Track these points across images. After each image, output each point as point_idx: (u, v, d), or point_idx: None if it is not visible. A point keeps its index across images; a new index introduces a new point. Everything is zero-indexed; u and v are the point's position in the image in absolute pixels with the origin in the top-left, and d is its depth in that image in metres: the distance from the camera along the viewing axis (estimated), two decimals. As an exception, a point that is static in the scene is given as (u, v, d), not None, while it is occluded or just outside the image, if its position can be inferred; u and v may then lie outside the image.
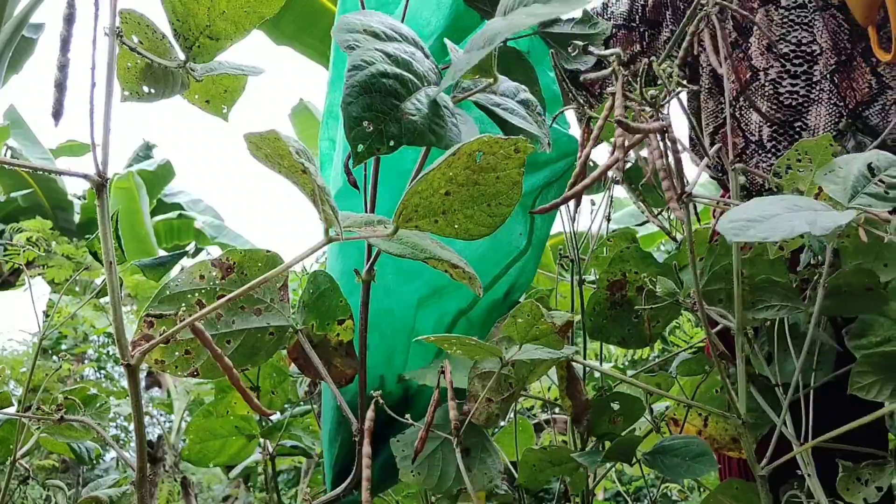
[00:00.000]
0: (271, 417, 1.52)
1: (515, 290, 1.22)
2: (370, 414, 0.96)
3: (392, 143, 0.66)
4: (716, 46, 0.99)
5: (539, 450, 1.18)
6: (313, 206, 0.69)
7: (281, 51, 3.85)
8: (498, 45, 0.68)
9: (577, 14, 1.11)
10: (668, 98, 0.81)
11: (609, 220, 1.43)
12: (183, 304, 0.92)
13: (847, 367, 0.99)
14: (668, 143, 0.82)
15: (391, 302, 1.16)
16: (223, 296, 0.92)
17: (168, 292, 0.93)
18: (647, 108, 0.83)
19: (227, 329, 0.95)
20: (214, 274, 0.94)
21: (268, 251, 0.95)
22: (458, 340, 0.97)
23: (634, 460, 1.13)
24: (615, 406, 1.16)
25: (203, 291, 0.93)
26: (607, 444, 1.15)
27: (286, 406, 1.54)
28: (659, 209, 1.28)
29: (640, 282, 1.11)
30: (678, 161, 0.84)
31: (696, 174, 0.87)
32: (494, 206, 0.69)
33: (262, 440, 1.49)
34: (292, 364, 1.09)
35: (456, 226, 0.69)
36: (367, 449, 0.92)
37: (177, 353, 0.93)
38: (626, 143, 0.77)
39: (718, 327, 1.06)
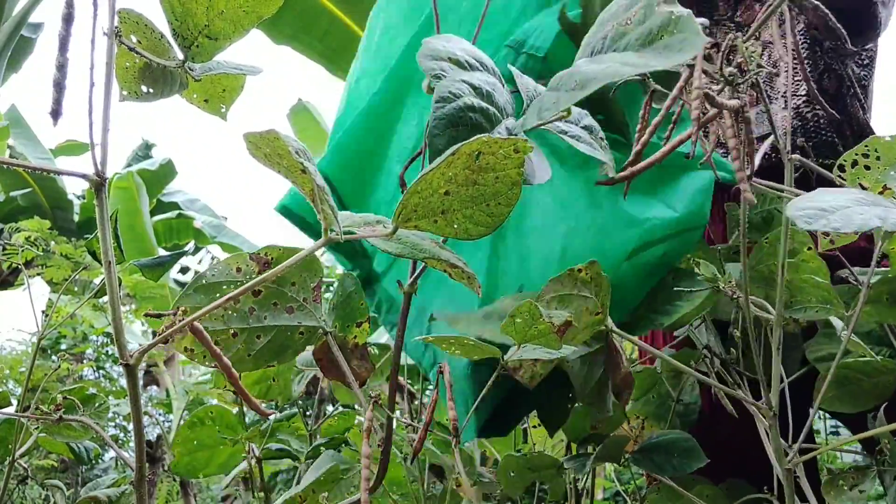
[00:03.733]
0: (269, 417, 1.52)
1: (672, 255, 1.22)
2: (369, 414, 0.96)
3: None
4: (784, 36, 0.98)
5: (518, 456, 1.19)
6: (312, 206, 0.69)
7: (280, 50, 3.85)
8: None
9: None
10: (747, 77, 0.79)
11: None
12: (217, 294, 0.91)
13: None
14: (744, 123, 0.80)
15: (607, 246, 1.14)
16: (258, 291, 0.94)
17: (204, 281, 0.92)
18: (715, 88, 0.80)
19: (258, 324, 0.95)
20: (252, 267, 0.93)
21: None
22: (456, 340, 0.97)
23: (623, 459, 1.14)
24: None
25: (238, 284, 0.92)
26: (590, 448, 1.16)
27: (279, 406, 1.53)
28: None
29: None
30: (750, 142, 0.82)
31: (757, 157, 0.85)
32: (493, 206, 0.69)
33: (248, 444, 1.48)
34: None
35: (455, 226, 0.69)
36: (366, 449, 0.92)
37: None
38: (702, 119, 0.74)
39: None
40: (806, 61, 1.39)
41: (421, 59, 0.72)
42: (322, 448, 1.52)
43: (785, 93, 1.39)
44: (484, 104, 0.70)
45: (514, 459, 1.18)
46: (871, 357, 1.01)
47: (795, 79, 1.39)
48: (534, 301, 0.92)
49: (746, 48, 0.79)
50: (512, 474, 1.18)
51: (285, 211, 1.34)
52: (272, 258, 0.94)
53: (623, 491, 2.36)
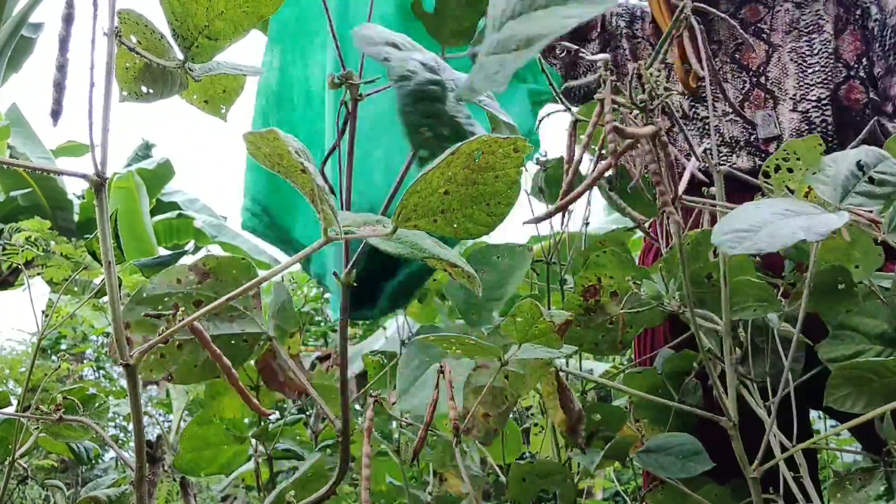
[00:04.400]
0: (270, 417, 1.52)
1: None
2: (369, 413, 0.96)
3: (446, 145, 0.67)
4: (696, 49, 0.99)
5: (526, 463, 1.19)
6: (312, 206, 0.69)
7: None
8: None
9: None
10: (657, 102, 0.81)
11: (587, 224, 1.48)
12: (160, 307, 0.92)
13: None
14: (660, 147, 0.82)
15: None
16: (199, 301, 0.94)
17: (144, 294, 0.92)
18: (637, 113, 0.83)
19: None
20: (192, 278, 0.94)
21: (242, 259, 0.97)
22: (457, 340, 0.97)
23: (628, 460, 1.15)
24: (596, 417, 1.17)
25: (179, 295, 0.93)
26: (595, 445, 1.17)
27: (280, 405, 1.54)
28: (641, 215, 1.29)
29: (615, 287, 1.10)
30: (669, 165, 0.83)
31: (684, 178, 0.86)
32: (493, 206, 0.69)
33: (254, 443, 1.48)
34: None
35: (455, 225, 0.69)
36: (366, 448, 0.92)
37: (153, 357, 0.92)
38: (618, 149, 0.76)
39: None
40: (823, 70, 1.40)
41: (363, 46, 0.73)
42: (328, 450, 1.53)
43: (794, 94, 1.40)
44: (437, 77, 0.72)
45: (522, 467, 1.18)
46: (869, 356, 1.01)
47: (805, 82, 1.40)
48: (535, 302, 0.92)
49: (651, 74, 0.80)
50: (524, 481, 1.18)
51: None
52: (210, 268, 0.94)
53: (623, 491, 2.36)
